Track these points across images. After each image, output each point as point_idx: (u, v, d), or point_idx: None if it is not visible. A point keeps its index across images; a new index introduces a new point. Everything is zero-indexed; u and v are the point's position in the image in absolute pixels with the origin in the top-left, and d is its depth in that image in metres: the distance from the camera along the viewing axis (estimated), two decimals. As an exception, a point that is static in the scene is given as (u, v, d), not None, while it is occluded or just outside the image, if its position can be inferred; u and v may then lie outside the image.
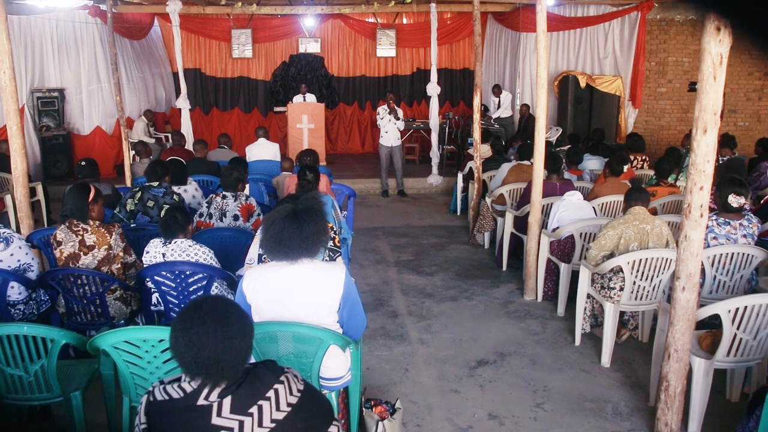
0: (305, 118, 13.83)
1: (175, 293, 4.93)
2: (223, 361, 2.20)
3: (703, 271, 5.22)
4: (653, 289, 5.56)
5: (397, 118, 12.45)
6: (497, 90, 14.92)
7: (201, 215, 6.33)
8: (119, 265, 5.13)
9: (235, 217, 6.30)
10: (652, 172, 8.88)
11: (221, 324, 2.22)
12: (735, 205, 5.40)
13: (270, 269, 3.59)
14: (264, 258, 4.73)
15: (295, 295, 3.49)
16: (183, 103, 13.00)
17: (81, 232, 5.00)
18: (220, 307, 2.28)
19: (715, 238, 5.46)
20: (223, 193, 6.39)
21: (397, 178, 13.07)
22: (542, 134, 6.88)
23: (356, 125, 18.00)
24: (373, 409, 4.32)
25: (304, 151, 8.15)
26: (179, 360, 2.26)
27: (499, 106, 14.88)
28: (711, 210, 5.37)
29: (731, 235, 5.45)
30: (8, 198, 8.93)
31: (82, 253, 4.98)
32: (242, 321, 2.29)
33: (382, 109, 12.57)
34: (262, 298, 3.52)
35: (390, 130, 12.53)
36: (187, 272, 4.86)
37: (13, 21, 11.87)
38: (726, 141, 9.94)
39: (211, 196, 6.49)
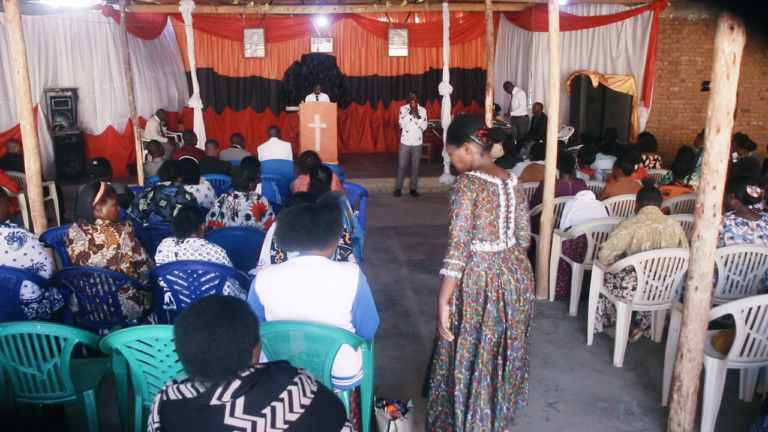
0: (317, 117, 13.86)
1: (188, 292, 4.94)
2: (209, 360, 2.21)
3: (716, 270, 5.20)
4: (666, 289, 5.55)
5: (419, 118, 12.45)
6: (509, 86, 14.93)
7: (213, 215, 6.35)
8: (128, 264, 5.14)
9: (247, 217, 6.31)
10: (664, 172, 8.85)
11: (208, 325, 2.23)
12: (755, 195, 5.35)
13: (283, 269, 3.59)
14: (276, 259, 4.73)
15: (308, 294, 3.49)
16: (195, 103, 13.03)
17: (90, 231, 5.01)
18: (213, 308, 2.29)
19: (732, 237, 5.43)
20: (235, 192, 6.41)
21: (412, 177, 13.06)
22: (554, 134, 6.87)
23: (368, 125, 18.01)
24: (385, 409, 4.32)
25: (306, 152, 8.18)
26: (179, 357, 2.29)
27: (510, 105, 14.89)
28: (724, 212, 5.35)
29: (748, 235, 5.42)
30: (22, 197, 8.97)
31: (91, 252, 4.99)
32: (233, 324, 2.27)
33: (404, 109, 12.60)
34: (275, 299, 3.52)
35: (411, 129, 12.53)
36: (200, 271, 4.87)
37: (26, 21, 11.92)
38: (741, 141, 9.91)
39: (223, 195, 6.50)
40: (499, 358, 3.97)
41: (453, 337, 3.93)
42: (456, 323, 3.94)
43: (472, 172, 3.80)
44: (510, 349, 3.99)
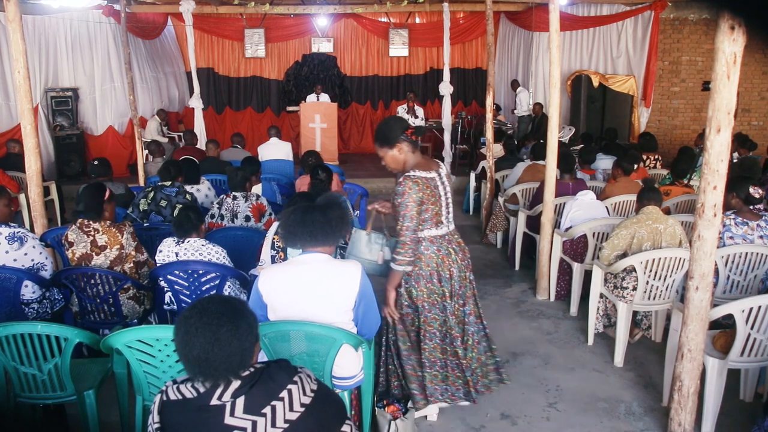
0: (318, 117, 13.85)
1: (188, 292, 4.94)
2: (212, 360, 2.21)
3: (716, 270, 5.20)
4: (666, 289, 5.54)
5: (416, 117, 12.41)
6: (515, 85, 14.99)
7: (212, 216, 6.33)
8: (131, 265, 5.15)
9: (247, 218, 6.30)
10: (665, 172, 8.85)
11: (211, 325, 2.23)
12: (757, 196, 5.35)
13: (285, 267, 3.60)
14: (276, 259, 4.73)
15: (310, 292, 3.50)
16: (196, 103, 13.04)
17: (92, 233, 5.01)
18: (215, 308, 2.29)
19: (731, 237, 5.43)
20: (234, 194, 6.39)
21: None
22: (555, 134, 6.87)
23: (369, 125, 17.96)
24: (386, 409, 4.33)
25: (307, 152, 8.18)
26: (179, 357, 2.29)
27: (515, 103, 14.95)
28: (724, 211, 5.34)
29: (748, 235, 5.42)
30: (22, 197, 8.97)
31: (94, 253, 4.99)
32: (235, 323, 2.27)
33: (402, 109, 12.59)
34: (278, 297, 3.52)
35: None
36: (200, 271, 4.87)
37: (27, 21, 11.91)
38: (742, 141, 9.91)
39: (221, 197, 6.49)
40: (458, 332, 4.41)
41: (398, 315, 4.33)
42: (414, 306, 4.32)
43: (412, 173, 4.12)
44: (467, 324, 4.44)
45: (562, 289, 7.04)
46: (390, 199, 4.30)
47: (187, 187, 6.96)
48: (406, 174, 4.11)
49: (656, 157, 9.96)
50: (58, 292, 5.30)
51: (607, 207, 6.95)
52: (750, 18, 0.95)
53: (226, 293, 4.96)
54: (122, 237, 5.05)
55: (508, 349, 5.91)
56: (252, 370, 2.32)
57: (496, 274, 8.07)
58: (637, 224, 5.59)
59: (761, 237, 5.43)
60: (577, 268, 6.58)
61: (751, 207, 5.50)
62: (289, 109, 16.82)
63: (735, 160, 8.75)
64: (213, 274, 4.90)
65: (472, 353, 4.46)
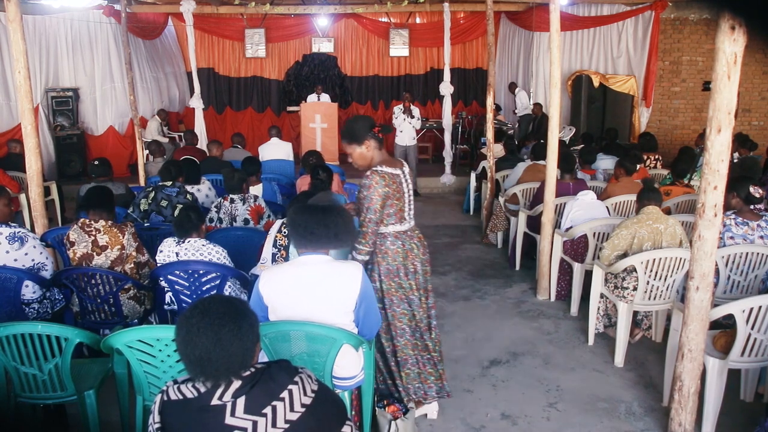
0: (318, 117, 13.85)
1: (189, 292, 4.94)
2: (213, 360, 2.21)
3: (717, 270, 5.20)
4: (667, 289, 5.54)
5: (412, 117, 12.41)
6: (513, 86, 15.01)
7: (211, 220, 6.30)
8: (132, 265, 5.14)
9: (246, 221, 6.28)
10: (665, 172, 8.85)
11: (213, 325, 2.23)
12: (757, 195, 5.35)
13: (286, 268, 3.60)
14: (278, 258, 4.73)
15: (311, 294, 3.49)
16: (196, 103, 13.04)
17: (93, 233, 5.01)
18: (217, 308, 2.29)
19: (732, 237, 5.43)
20: (231, 196, 6.37)
21: (412, 177, 12.96)
22: (556, 134, 6.87)
23: (369, 125, 17.93)
24: (386, 409, 4.33)
25: (308, 152, 8.17)
26: (180, 357, 2.29)
27: (515, 104, 14.97)
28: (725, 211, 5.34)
29: (748, 235, 5.42)
30: (23, 197, 8.97)
31: (95, 253, 4.99)
32: (237, 323, 2.27)
33: (398, 109, 12.56)
34: (279, 299, 3.52)
35: (405, 129, 12.46)
36: (201, 271, 4.87)
37: (27, 21, 11.92)
38: (742, 141, 9.91)
39: (219, 200, 6.46)
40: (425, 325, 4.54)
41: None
42: (385, 300, 4.44)
43: (380, 168, 4.28)
44: (430, 317, 4.60)
45: (563, 289, 7.04)
46: (355, 199, 4.40)
47: (188, 187, 6.95)
48: (374, 168, 4.28)
49: (656, 157, 9.96)
50: (59, 292, 5.29)
51: (607, 207, 6.95)
52: (750, 18, 0.95)
53: (227, 293, 4.96)
54: (123, 237, 5.05)
55: (509, 349, 5.91)
56: (253, 370, 2.32)
57: (497, 274, 8.07)
58: (637, 224, 5.59)
59: (761, 237, 5.43)
60: (577, 268, 6.58)
61: (752, 207, 5.50)
62: (290, 109, 16.84)
63: (735, 160, 8.75)
64: (213, 274, 4.89)
65: (437, 346, 4.61)
